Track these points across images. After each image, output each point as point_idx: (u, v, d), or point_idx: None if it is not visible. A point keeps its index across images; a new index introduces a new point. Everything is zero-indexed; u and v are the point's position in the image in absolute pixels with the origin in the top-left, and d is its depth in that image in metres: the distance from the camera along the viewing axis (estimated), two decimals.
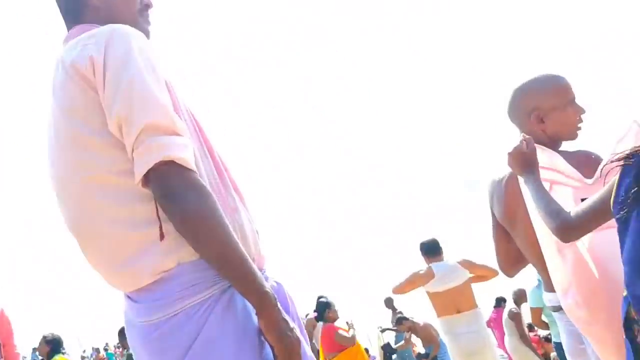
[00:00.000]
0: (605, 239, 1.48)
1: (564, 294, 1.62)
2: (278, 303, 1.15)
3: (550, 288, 1.77)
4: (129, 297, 1.23)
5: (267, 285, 1.15)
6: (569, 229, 1.44)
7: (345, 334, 5.45)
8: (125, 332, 1.27)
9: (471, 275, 4.40)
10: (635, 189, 1.21)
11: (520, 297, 6.36)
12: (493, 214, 2.01)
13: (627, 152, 1.29)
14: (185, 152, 1.13)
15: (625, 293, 1.29)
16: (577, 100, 1.81)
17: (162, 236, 1.14)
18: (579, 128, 1.83)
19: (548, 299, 1.88)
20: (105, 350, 17.17)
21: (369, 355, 7.72)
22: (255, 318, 1.16)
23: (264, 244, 1.37)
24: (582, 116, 1.82)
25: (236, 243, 1.12)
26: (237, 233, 1.18)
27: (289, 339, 1.13)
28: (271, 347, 1.15)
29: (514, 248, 1.96)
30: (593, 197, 1.38)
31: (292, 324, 1.16)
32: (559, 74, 1.86)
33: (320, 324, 5.82)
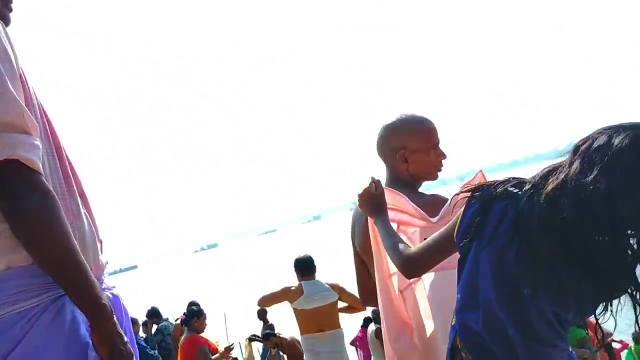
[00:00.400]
0: (446, 280, 1.56)
1: (395, 338, 1.71)
2: (114, 316, 1.12)
3: None
4: None
5: (104, 297, 1.12)
6: (413, 263, 1.49)
7: (207, 353, 5.14)
8: None
9: (337, 299, 4.53)
10: (478, 219, 1.27)
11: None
12: (354, 244, 2.06)
13: (473, 186, 1.37)
14: (33, 152, 1.08)
15: (453, 322, 1.34)
16: (440, 145, 1.94)
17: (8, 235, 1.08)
18: (440, 170, 1.96)
19: None
20: None
21: None
22: (84, 330, 1.12)
23: (105, 253, 1.34)
24: (443, 161, 1.95)
25: (75, 250, 1.09)
26: (77, 240, 1.14)
27: (120, 353, 1.11)
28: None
29: (373, 281, 1.94)
30: (438, 231, 1.44)
31: (125, 338, 1.13)
32: (427, 117, 1.97)
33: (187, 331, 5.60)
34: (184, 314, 5.58)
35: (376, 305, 2.03)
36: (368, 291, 2.04)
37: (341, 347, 4.52)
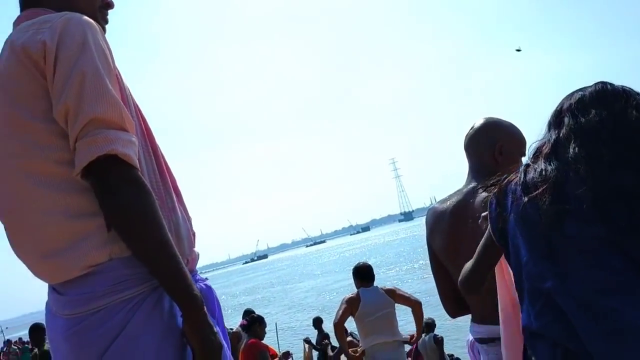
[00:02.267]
0: None
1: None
2: (205, 307, 1.15)
3: (478, 319, 1.81)
4: (54, 289, 1.19)
5: (196, 289, 1.15)
6: (464, 277, 1.52)
7: (268, 357, 5.22)
8: (46, 324, 1.23)
9: (394, 305, 4.51)
10: (498, 211, 1.29)
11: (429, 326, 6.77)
12: (431, 249, 1.95)
13: (492, 180, 1.40)
14: (129, 148, 1.12)
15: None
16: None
17: (107, 230, 1.12)
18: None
19: (475, 330, 1.85)
20: (17, 345, 16.39)
21: None
22: (180, 320, 1.15)
23: (198, 246, 1.37)
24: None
25: (170, 243, 1.12)
26: (172, 233, 1.18)
27: (210, 343, 1.13)
28: (192, 350, 1.14)
29: (454, 288, 1.82)
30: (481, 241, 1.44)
31: (215, 329, 1.16)
32: None
33: (245, 337, 5.70)
34: (246, 319, 5.66)
35: (463, 314, 1.96)
36: (452, 300, 1.95)
37: (401, 356, 4.46)
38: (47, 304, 1.24)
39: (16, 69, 1.15)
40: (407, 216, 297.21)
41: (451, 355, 7.61)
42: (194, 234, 1.36)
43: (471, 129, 1.97)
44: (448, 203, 1.90)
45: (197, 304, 1.13)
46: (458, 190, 1.92)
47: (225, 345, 1.26)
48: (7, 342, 17.83)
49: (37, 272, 1.23)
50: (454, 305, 1.96)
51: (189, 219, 1.35)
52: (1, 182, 1.21)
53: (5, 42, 1.23)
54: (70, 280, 1.14)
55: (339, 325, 4.57)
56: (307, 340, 8.59)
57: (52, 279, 1.19)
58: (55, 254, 1.14)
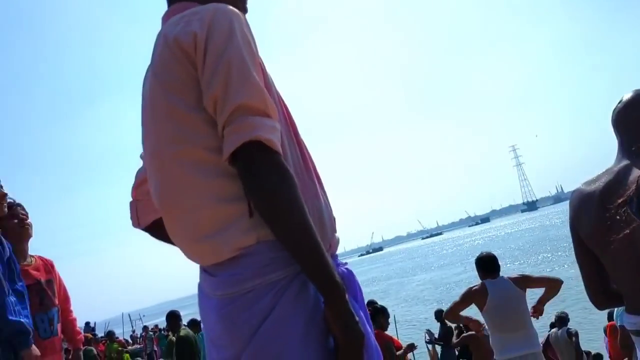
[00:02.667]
0: None
1: None
2: (347, 294, 1.13)
3: (633, 309, 1.67)
4: (205, 270, 1.25)
5: (338, 276, 1.14)
6: None
7: (393, 349, 5.11)
8: (199, 304, 1.29)
9: (525, 293, 4.23)
10: None
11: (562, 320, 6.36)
12: (575, 234, 1.81)
13: None
14: (273, 134, 1.14)
15: None
16: None
17: (251, 213, 1.15)
18: None
19: (629, 321, 1.72)
20: (154, 331, 17.77)
21: None
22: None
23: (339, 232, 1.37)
24: None
25: (312, 229, 1.12)
26: (315, 219, 1.18)
27: (353, 333, 1.11)
28: (334, 338, 1.14)
29: (604, 277, 1.74)
30: None
31: (357, 318, 1.14)
32: None
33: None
34: (369, 310, 5.66)
35: (614, 306, 1.82)
36: (599, 291, 1.81)
37: (535, 347, 4.14)
38: (199, 285, 1.30)
39: (169, 60, 1.21)
40: (531, 206, 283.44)
41: (588, 353, 7.07)
42: (334, 219, 1.36)
43: (620, 102, 1.82)
44: (597, 184, 1.74)
45: (339, 291, 1.11)
46: (608, 170, 1.76)
47: (369, 330, 1.24)
48: (145, 328, 19.49)
49: (190, 255, 1.29)
50: (602, 296, 1.82)
51: (329, 205, 1.35)
52: (158, 171, 1.28)
53: (158, 36, 1.30)
54: (221, 262, 1.18)
55: (451, 317, 4.43)
56: (429, 333, 8.50)
57: (204, 261, 1.25)
58: (207, 237, 1.18)
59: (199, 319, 10.05)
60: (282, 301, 1.13)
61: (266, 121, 1.14)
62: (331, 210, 1.35)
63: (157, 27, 1.37)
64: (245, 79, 1.14)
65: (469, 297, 4.30)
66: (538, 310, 4.36)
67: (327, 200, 1.34)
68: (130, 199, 1.53)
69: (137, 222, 1.52)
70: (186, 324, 7.79)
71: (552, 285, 4.29)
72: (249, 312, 1.13)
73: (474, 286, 4.37)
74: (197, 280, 1.33)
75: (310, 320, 1.14)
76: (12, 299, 2.52)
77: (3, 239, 2.67)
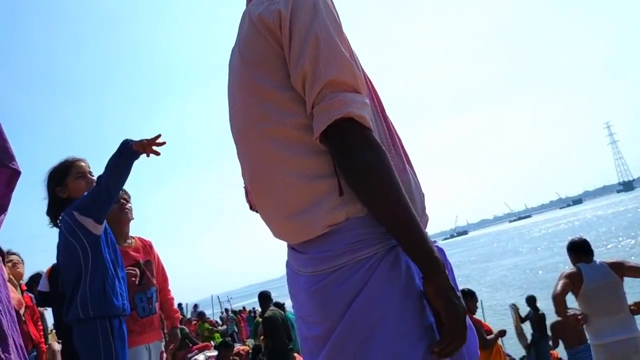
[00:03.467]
0: None
1: None
2: (446, 270, 1.12)
3: None
4: (293, 248, 1.26)
5: (436, 251, 1.12)
6: None
7: (483, 333, 4.92)
8: (287, 282, 1.31)
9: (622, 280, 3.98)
10: None
11: None
12: None
13: None
14: (364, 110, 1.13)
15: None
16: None
17: (341, 191, 1.15)
18: None
19: None
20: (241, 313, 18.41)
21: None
22: (418, 281, 1.14)
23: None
24: None
25: (407, 204, 1.11)
26: (406, 194, 1.17)
27: (457, 308, 1.09)
28: (435, 313, 1.12)
29: None
30: None
31: (458, 293, 1.13)
32: None
33: None
34: None
35: None
36: None
37: (635, 332, 3.90)
38: (287, 263, 1.32)
39: (255, 39, 1.23)
40: (627, 186, 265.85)
41: None
42: (423, 195, 1.35)
43: None
44: None
45: (438, 266, 1.10)
46: None
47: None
48: (226, 311, 20.15)
49: (279, 234, 1.30)
50: None
51: (418, 181, 1.34)
52: (247, 150, 1.30)
53: (243, 16, 1.31)
54: (311, 239, 1.19)
55: (558, 297, 4.22)
56: (514, 308, 8.27)
57: (293, 239, 1.25)
58: (297, 215, 1.19)
59: (282, 301, 10.37)
60: (374, 277, 1.12)
61: (357, 97, 1.13)
62: (420, 186, 1.33)
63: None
64: (334, 55, 1.14)
65: (566, 284, 4.10)
66: (639, 306, 3.99)
67: (416, 177, 1.32)
68: (243, 184, 1.53)
69: (250, 205, 1.53)
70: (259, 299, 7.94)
71: None
72: (340, 289, 1.13)
73: (568, 271, 4.17)
74: (282, 263, 1.34)
75: (404, 296, 1.13)
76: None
77: (108, 228, 2.82)
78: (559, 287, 4.10)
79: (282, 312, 7.05)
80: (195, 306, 19.05)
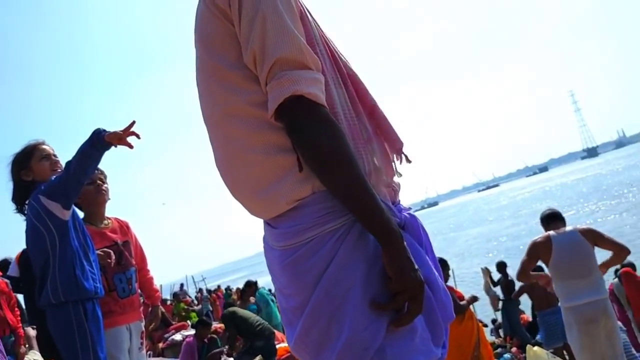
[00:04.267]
0: None
1: None
2: (405, 242, 1.14)
3: None
4: (267, 223, 1.28)
5: (394, 223, 1.15)
6: None
7: (456, 299, 4.93)
8: (265, 256, 1.33)
9: (594, 248, 4.05)
10: None
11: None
12: None
13: None
14: (314, 86, 1.14)
15: None
16: None
17: (300, 167, 1.17)
18: None
19: None
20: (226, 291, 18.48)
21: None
22: None
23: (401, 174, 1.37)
24: None
25: (362, 179, 1.12)
26: (369, 164, 1.21)
27: (410, 278, 1.12)
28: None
29: None
30: None
31: (416, 266, 1.14)
32: None
33: None
34: None
35: None
36: None
37: (602, 294, 3.99)
38: (263, 238, 1.34)
39: (208, 20, 1.23)
40: (591, 152, 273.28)
41: None
42: (405, 155, 1.37)
43: None
44: None
45: (394, 238, 1.12)
46: None
47: (437, 274, 1.25)
48: (200, 290, 20.20)
49: (252, 210, 1.32)
50: None
51: (390, 141, 1.35)
52: (213, 129, 1.31)
53: None
54: (281, 214, 1.21)
55: (523, 277, 4.29)
56: (486, 271, 8.52)
57: (264, 215, 1.27)
58: (264, 192, 1.21)
59: (255, 279, 10.45)
60: (342, 248, 1.15)
61: (306, 74, 1.14)
62: (397, 147, 1.35)
63: None
64: (281, 32, 1.14)
65: (534, 252, 4.17)
66: (606, 266, 4.14)
67: (386, 142, 1.34)
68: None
69: None
70: (244, 285, 7.92)
71: (619, 252, 4.06)
72: (311, 261, 1.16)
73: (537, 238, 4.22)
74: (254, 241, 1.37)
75: (372, 263, 1.16)
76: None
77: (76, 212, 2.81)
78: (524, 264, 4.20)
79: (254, 292, 7.14)
80: (182, 285, 19.01)
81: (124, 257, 3.22)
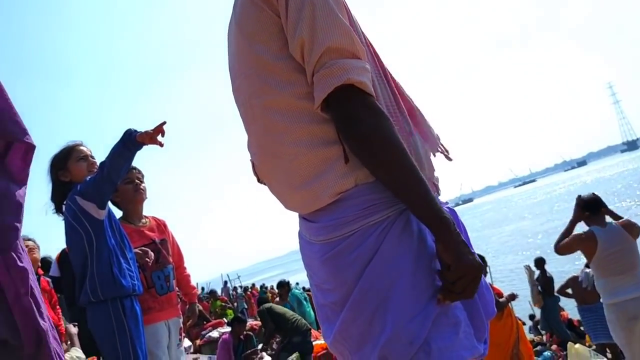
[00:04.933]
0: None
1: None
2: (456, 227, 1.12)
3: None
4: (305, 218, 1.26)
5: (445, 210, 1.12)
6: None
7: (494, 296, 4.98)
8: (301, 251, 1.31)
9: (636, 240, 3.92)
10: None
11: None
12: None
13: None
14: (364, 75, 1.12)
15: None
16: None
17: (346, 158, 1.14)
18: None
19: None
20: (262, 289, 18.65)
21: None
22: (431, 242, 1.14)
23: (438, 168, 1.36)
24: None
25: (413, 166, 1.10)
26: (413, 157, 1.16)
27: (470, 261, 1.09)
28: (445, 267, 1.11)
29: None
30: None
31: (472, 249, 1.13)
32: None
33: None
34: None
35: None
36: None
37: None
38: (299, 233, 1.32)
39: (251, 10, 1.21)
40: (631, 145, 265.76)
41: None
42: (442, 150, 1.35)
43: None
44: None
45: (448, 224, 1.10)
46: None
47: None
48: (235, 289, 20.42)
49: (290, 205, 1.30)
50: None
51: (430, 139, 1.34)
52: (252, 121, 1.29)
53: None
54: (322, 208, 1.19)
55: (567, 248, 4.13)
56: (529, 269, 8.34)
57: (304, 209, 1.25)
58: (306, 185, 1.19)
59: (287, 279, 10.49)
60: (386, 241, 1.12)
61: (356, 63, 1.12)
62: (435, 144, 1.33)
63: None
64: (331, 21, 1.12)
65: (578, 242, 4.03)
66: None
67: (425, 137, 1.32)
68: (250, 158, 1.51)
69: (258, 178, 1.52)
70: (277, 285, 7.82)
71: None
72: (354, 255, 1.13)
73: (581, 234, 4.07)
74: (285, 241, 1.35)
75: (417, 257, 1.13)
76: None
77: (112, 211, 2.85)
78: (568, 241, 4.06)
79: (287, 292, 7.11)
80: (225, 283, 19.31)
81: (161, 255, 3.26)
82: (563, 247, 4.12)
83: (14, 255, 1.66)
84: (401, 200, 1.13)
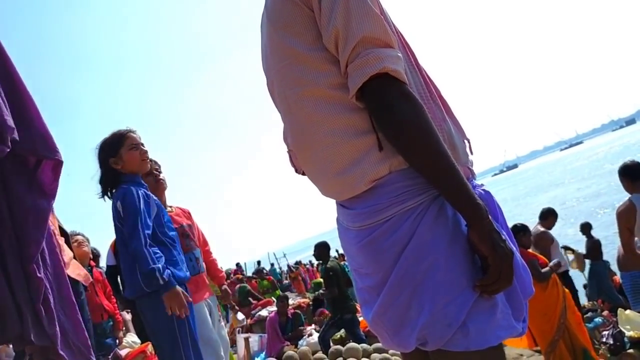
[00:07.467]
0: None
1: None
2: (489, 215, 1.14)
3: None
4: (342, 205, 1.30)
5: (478, 197, 1.13)
6: None
7: (538, 266, 4.76)
8: (339, 237, 1.35)
9: None
10: None
11: None
12: None
13: None
14: (398, 64, 1.14)
15: None
16: None
17: (380, 146, 1.17)
18: None
19: None
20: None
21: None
22: (464, 227, 1.16)
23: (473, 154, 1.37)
24: None
25: (447, 154, 1.12)
26: (446, 143, 1.18)
27: (502, 250, 1.11)
28: (482, 258, 1.14)
29: None
30: None
31: (503, 236, 1.14)
32: None
33: None
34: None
35: None
36: None
37: None
38: (337, 219, 1.36)
39: (282, 3, 1.24)
40: None
41: None
42: (468, 140, 1.36)
43: None
44: None
45: (481, 212, 1.12)
46: None
47: (514, 249, 1.24)
48: (289, 267, 20.70)
49: (327, 192, 1.34)
50: None
51: (460, 127, 1.35)
52: (288, 114, 1.33)
53: None
54: (357, 195, 1.22)
55: (630, 252, 4.06)
56: (566, 247, 8.16)
57: (340, 196, 1.29)
58: (342, 173, 1.22)
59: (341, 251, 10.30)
60: (421, 226, 1.15)
61: (390, 52, 1.14)
62: (463, 132, 1.34)
63: None
64: (364, 12, 1.14)
65: (623, 223, 3.97)
66: None
67: (457, 124, 1.33)
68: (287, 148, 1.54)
69: (296, 169, 1.56)
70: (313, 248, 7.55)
71: None
72: (390, 240, 1.17)
73: (620, 207, 4.05)
74: (331, 216, 1.38)
75: (452, 241, 1.15)
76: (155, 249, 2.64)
77: (152, 196, 2.85)
78: (626, 242, 4.00)
79: (340, 264, 6.92)
80: (259, 263, 19.75)
81: (189, 238, 3.42)
82: (628, 245, 4.04)
83: (34, 266, 1.81)
84: (435, 187, 1.15)
